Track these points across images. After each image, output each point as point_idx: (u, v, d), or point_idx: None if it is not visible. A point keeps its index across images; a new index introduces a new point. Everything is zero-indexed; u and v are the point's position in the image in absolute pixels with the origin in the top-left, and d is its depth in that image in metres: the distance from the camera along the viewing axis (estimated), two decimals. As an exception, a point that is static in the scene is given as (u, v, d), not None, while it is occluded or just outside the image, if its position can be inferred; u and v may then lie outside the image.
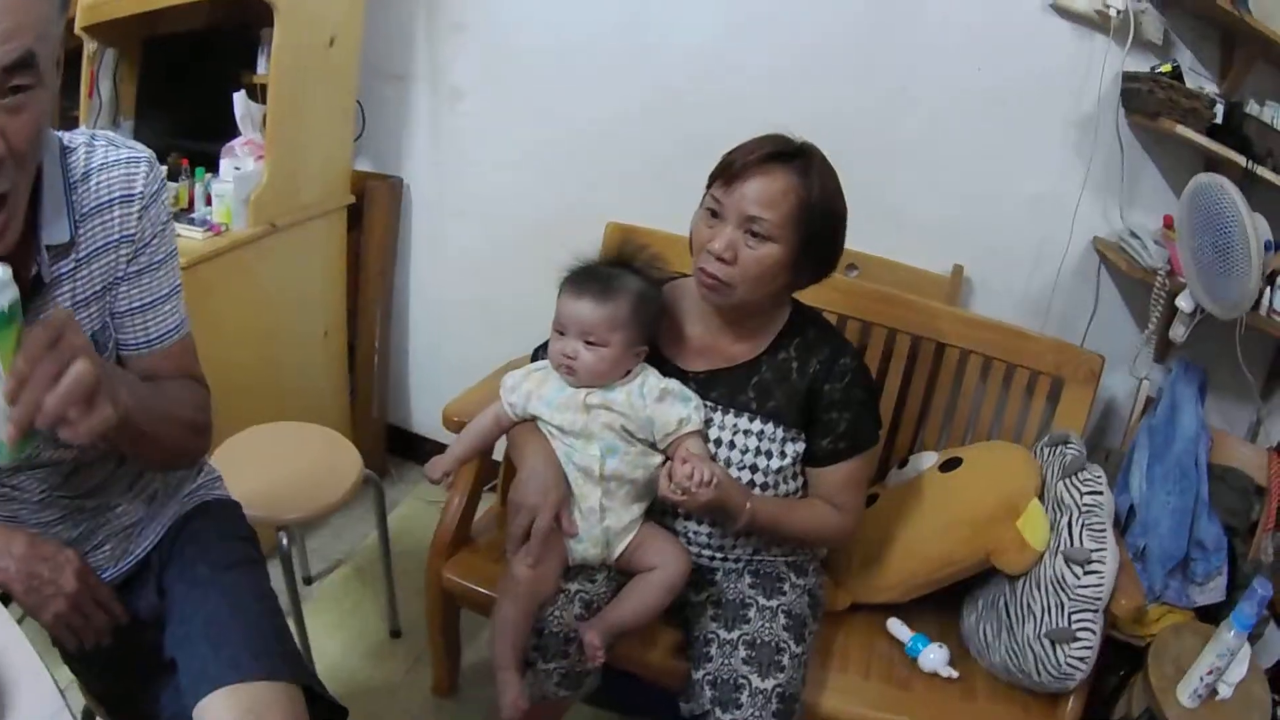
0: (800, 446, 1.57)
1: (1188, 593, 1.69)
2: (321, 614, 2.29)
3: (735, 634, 1.53)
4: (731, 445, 1.56)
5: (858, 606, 1.81)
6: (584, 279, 1.52)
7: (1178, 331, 1.90)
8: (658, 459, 1.52)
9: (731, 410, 1.57)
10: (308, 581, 2.41)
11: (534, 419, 1.55)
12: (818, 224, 1.46)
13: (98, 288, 1.11)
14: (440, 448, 2.36)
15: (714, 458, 1.54)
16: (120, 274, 1.12)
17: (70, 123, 2.22)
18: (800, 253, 1.47)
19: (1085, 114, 1.99)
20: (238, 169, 2.13)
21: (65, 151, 1.08)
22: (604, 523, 1.52)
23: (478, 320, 2.66)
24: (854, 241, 1.57)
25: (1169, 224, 1.96)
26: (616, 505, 1.52)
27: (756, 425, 1.56)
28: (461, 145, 2.54)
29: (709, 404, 1.56)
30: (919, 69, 2.08)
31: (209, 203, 2.15)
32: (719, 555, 1.63)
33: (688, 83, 2.26)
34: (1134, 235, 1.98)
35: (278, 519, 1.82)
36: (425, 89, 2.51)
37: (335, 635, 2.24)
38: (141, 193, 1.11)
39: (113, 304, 1.13)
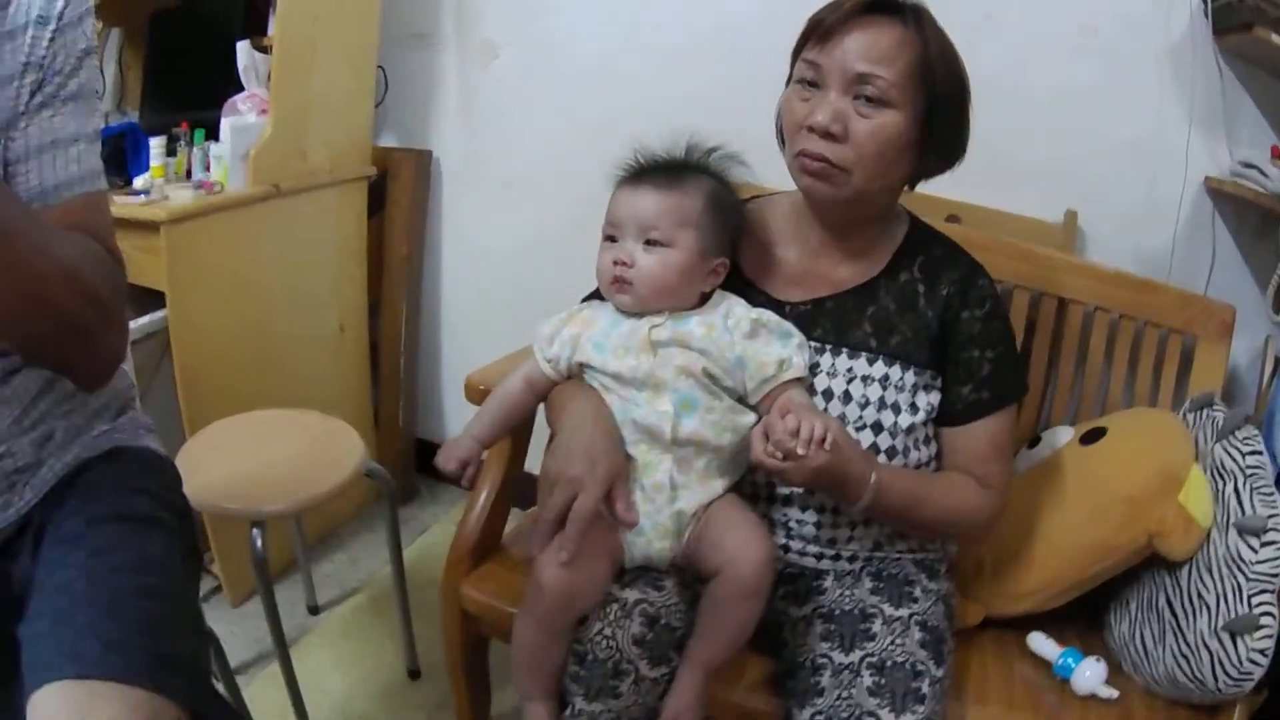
0: (935, 397, 1.21)
1: None
2: (328, 647, 1.97)
3: (856, 655, 1.13)
4: (846, 397, 1.19)
5: (989, 622, 1.43)
6: (643, 169, 1.20)
7: None
8: (750, 418, 1.15)
9: (844, 350, 1.21)
10: (314, 611, 2.09)
11: (581, 373, 1.20)
12: (942, 85, 1.13)
13: None
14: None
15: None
16: (21, 109, 0.90)
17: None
18: (925, 125, 1.13)
19: (1176, 43, 1.77)
20: (238, 123, 1.90)
21: None
22: (675, 505, 1.12)
23: (521, 315, 2.25)
24: (950, 189, 1.30)
25: (1277, 155, 1.71)
26: (692, 480, 1.14)
27: (879, 369, 1.19)
28: (498, 108, 2.25)
29: (812, 344, 1.20)
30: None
31: (207, 169, 1.93)
32: (829, 553, 1.23)
33: (762, 20, 1.91)
34: (1249, 165, 1.71)
35: (253, 511, 1.48)
36: (452, 47, 2.25)
37: (343, 672, 1.91)
38: (61, 13, 0.91)
39: (7, 149, 0.90)
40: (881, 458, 1.17)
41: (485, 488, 1.49)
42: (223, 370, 1.92)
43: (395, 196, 2.30)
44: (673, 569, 1.16)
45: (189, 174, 1.95)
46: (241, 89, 1.98)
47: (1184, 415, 1.52)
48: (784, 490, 1.20)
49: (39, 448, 1.00)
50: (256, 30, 2.06)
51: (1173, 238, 1.82)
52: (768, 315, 1.17)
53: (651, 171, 1.18)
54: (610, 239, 1.18)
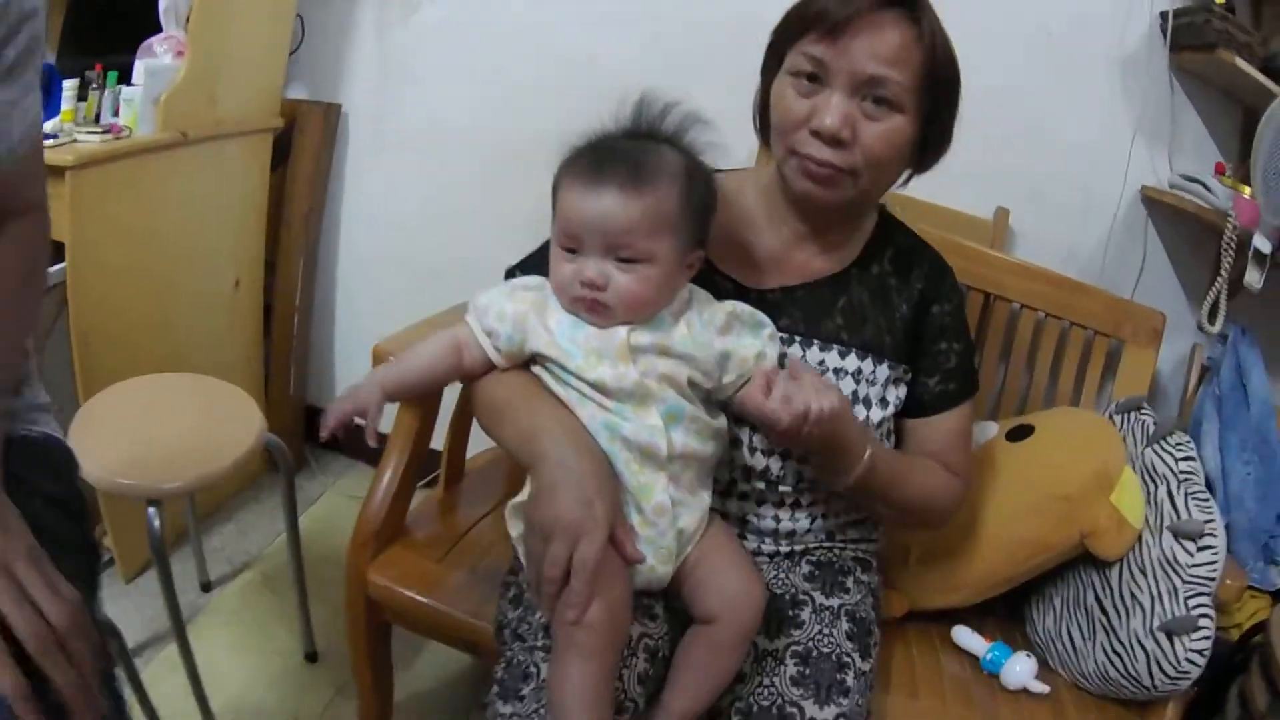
0: (903, 391, 1.19)
1: (1268, 574, 1.56)
2: (222, 628, 1.86)
3: (781, 642, 1.11)
4: None
5: (912, 614, 1.44)
6: (599, 158, 1.01)
7: (1253, 278, 1.67)
8: (722, 421, 1.08)
9: (816, 342, 1.16)
10: (206, 588, 1.97)
11: (527, 364, 1.07)
12: (946, 85, 1.08)
13: None
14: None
15: None
16: None
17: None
18: (925, 126, 1.08)
19: (1129, 54, 1.80)
20: (152, 65, 1.77)
21: None
22: (678, 525, 1.02)
23: (422, 280, 2.21)
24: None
25: (1221, 171, 1.79)
26: (686, 495, 1.04)
27: (851, 362, 1.16)
28: (412, 62, 2.15)
29: (781, 334, 1.14)
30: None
31: (117, 114, 1.80)
32: (784, 549, 1.21)
33: None
34: (1192, 179, 1.75)
35: (149, 489, 1.37)
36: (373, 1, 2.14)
37: (239, 657, 1.81)
38: None
39: None
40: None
41: (390, 467, 1.40)
42: (119, 328, 1.79)
43: (300, 151, 2.17)
44: (661, 593, 1.08)
45: (98, 118, 1.79)
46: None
47: (1111, 417, 1.55)
48: (745, 487, 1.16)
49: None
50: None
51: (1104, 242, 1.87)
52: (740, 307, 1.09)
53: (611, 161, 1.00)
54: (568, 249, 1.01)
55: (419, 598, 1.35)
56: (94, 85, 1.79)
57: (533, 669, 1.02)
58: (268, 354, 2.29)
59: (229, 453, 1.46)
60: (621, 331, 1.01)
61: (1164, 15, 1.73)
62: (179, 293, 1.96)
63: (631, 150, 1.02)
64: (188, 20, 1.82)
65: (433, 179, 2.19)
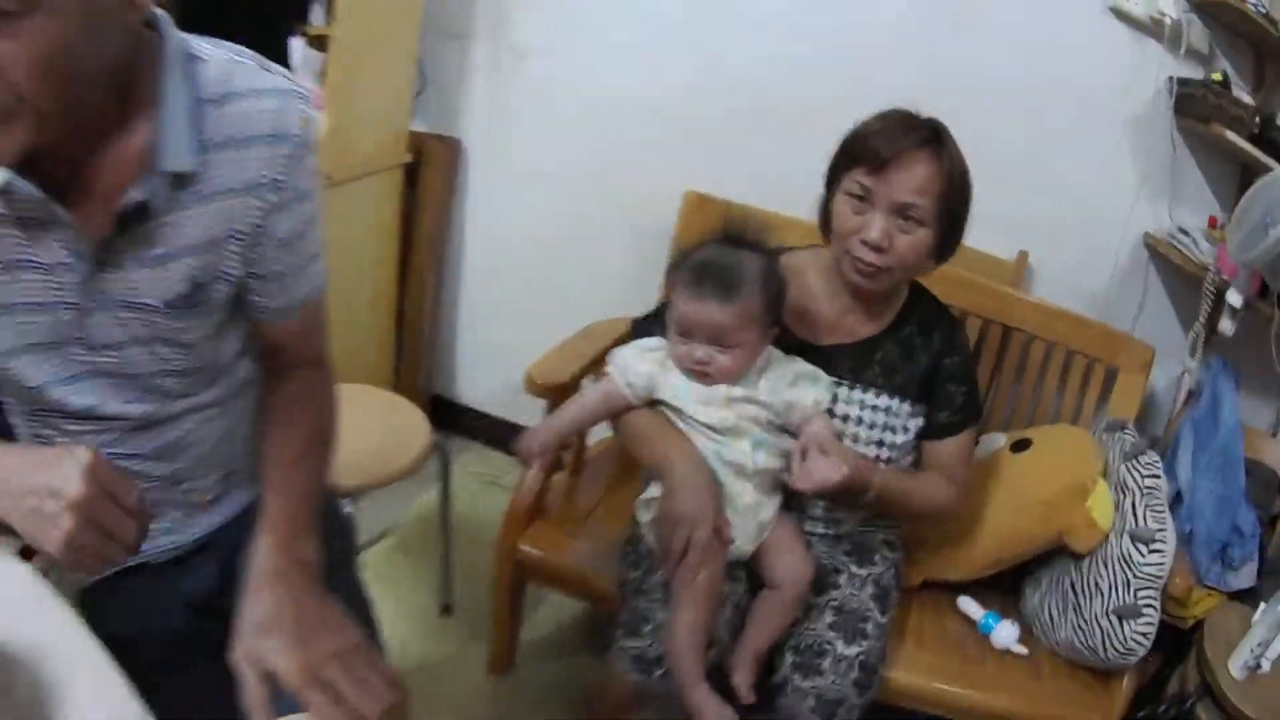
0: (920, 421, 1.58)
1: (1224, 577, 1.78)
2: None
3: (823, 599, 1.54)
4: (859, 421, 1.55)
5: (928, 584, 1.82)
6: (700, 275, 1.41)
7: (1225, 325, 1.96)
8: (790, 441, 1.47)
9: (859, 386, 1.56)
10: (353, 555, 2.35)
11: (655, 403, 1.48)
12: (960, 204, 1.47)
13: (215, 234, 0.92)
14: (488, 421, 2.18)
15: (841, 434, 1.52)
16: (255, 223, 0.94)
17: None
18: (943, 233, 1.47)
19: (1138, 115, 2.07)
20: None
21: (192, 60, 0.89)
22: (759, 518, 1.47)
23: (533, 292, 2.62)
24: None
25: (1214, 225, 2.04)
26: (764, 497, 1.48)
27: (884, 400, 1.55)
28: (524, 107, 2.47)
29: (834, 379, 1.54)
30: (983, 57, 2.10)
31: None
32: (831, 532, 1.62)
33: (769, 48, 2.22)
34: (1184, 232, 2.03)
35: (342, 485, 1.76)
36: (486, 48, 2.45)
37: (382, 610, 2.10)
38: (298, 136, 0.94)
39: (252, 263, 0.97)
40: (882, 465, 1.54)
41: (535, 464, 1.80)
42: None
43: (428, 181, 2.51)
44: (741, 564, 1.51)
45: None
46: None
47: (1099, 435, 1.85)
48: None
49: (224, 481, 1.10)
50: (295, 15, 2.16)
51: (1111, 281, 2.16)
52: (803, 366, 1.50)
53: (708, 275, 1.40)
54: (683, 334, 1.42)
55: (558, 560, 1.78)
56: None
57: (650, 615, 1.46)
58: (399, 353, 2.67)
59: (406, 453, 1.85)
60: (722, 388, 1.44)
61: (1170, 80, 2.00)
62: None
63: (724, 263, 1.42)
64: (320, 72, 2.09)
65: (544, 207, 2.52)
